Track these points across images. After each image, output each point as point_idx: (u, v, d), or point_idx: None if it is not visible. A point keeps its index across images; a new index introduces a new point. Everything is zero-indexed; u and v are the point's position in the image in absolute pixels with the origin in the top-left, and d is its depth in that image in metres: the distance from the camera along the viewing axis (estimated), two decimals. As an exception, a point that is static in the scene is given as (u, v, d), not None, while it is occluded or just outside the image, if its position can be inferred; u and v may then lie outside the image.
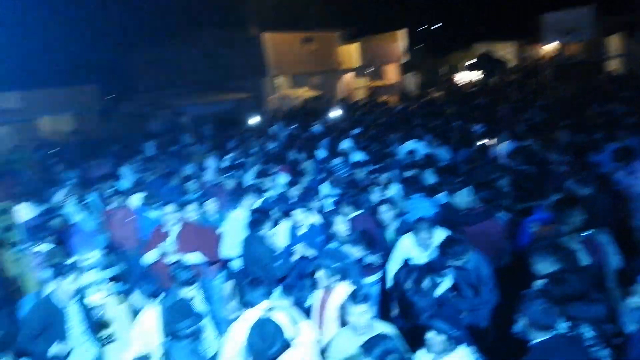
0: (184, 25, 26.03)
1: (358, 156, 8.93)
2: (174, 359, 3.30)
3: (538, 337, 2.85)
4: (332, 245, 4.72)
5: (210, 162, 9.88)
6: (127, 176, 9.46)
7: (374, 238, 4.69)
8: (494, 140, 8.77)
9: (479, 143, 8.74)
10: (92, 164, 11.66)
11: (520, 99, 15.65)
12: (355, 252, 4.42)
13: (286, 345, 2.97)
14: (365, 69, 29.46)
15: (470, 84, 26.47)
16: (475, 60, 28.92)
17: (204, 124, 18.15)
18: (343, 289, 3.73)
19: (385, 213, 5.10)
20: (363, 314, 3.12)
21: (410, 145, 8.81)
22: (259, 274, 4.77)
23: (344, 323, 3.46)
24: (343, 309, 3.47)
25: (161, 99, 22.42)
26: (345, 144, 9.58)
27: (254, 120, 18.50)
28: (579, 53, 26.83)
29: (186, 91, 23.78)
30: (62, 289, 4.10)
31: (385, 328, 3.24)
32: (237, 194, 5.92)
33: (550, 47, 26.77)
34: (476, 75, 28.35)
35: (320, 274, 3.80)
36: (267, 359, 2.90)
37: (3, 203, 8.31)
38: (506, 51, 31.92)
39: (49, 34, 24.90)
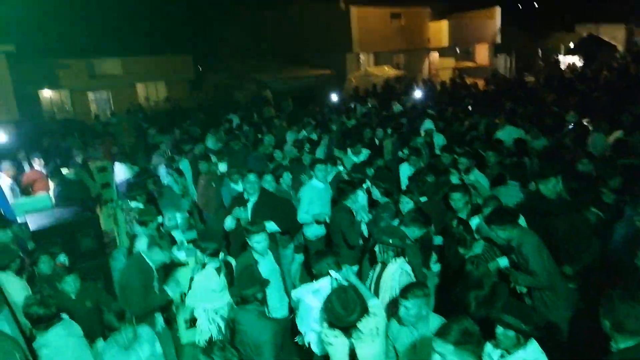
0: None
1: (440, 138, 8.69)
2: (241, 323, 3.45)
3: (622, 343, 2.53)
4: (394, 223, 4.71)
5: (289, 135, 10.08)
6: (212, 144, 9.92)
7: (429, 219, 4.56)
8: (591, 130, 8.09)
9: (573, 132, 8.11)
10: (182, 130, 12.34)
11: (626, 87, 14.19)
12: (413, 231, 4.32)
13: (365, 311, 3.02)
14: (454, 49, 28.17)
15: (570, 69, 24.44)
16: (577, 43, 26.57)
17: (284, 98, 18.47)
18: (397, 266, 3.77)
19: (459, 200, 4.91)
20: (412, 308, 3.11)
21: (505, 131, 8.39)
22: (341, 243, 4.98)
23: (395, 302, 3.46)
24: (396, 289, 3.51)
25: (246, 72, 23.09)
26: (427, 125, 9.31)
27: (335, 96, 18.51)
28: None
29: (271, 65, 24.28)
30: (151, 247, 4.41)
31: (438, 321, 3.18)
32: (313, 167, 5.98)
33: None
34: (578, 60, 26.10)
35: (377, 249, 3.85)
36: (346, 325, 2.96)
37: (102, 162, 9.13)
38: (613, 35, 28.94)
39: (148, 5, 26.36)
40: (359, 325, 3.01)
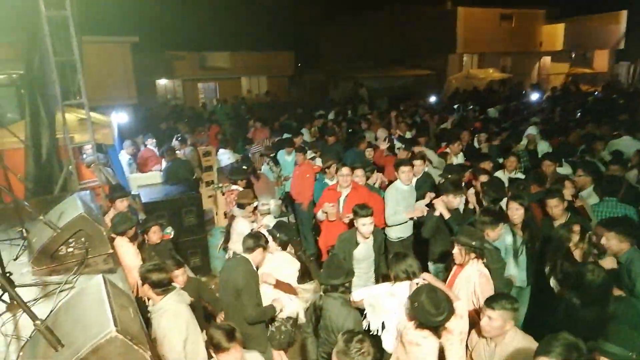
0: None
1: (544, 146, 8.13)
2: (326, 309, 3.53)
3: None
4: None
5: (380, 133, 10.00)
6: (307, 137, 10.18)
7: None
8: None
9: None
10: (280, 123, 12.82)
11: None
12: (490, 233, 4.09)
13: (453, 312, 2.97)
14: (569, 53, 26.09)
15: None
16: None
17: (380, 97, 18.41)
18: (474, 268, 3.64)
19: (555, 207, 4.55)
20: (492, 321, 2.91)
21: (618, 143, 7.66)
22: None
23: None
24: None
25: (344, 70, 23.36)
26: (530, 130, 8.73)
27: (431, 97, 18.08)
28: None
29: (368, 64, 24.32)
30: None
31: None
32: (398, 167, 5.87)
33: None
34: None
35: (455, 250, 3.73)
36: (437, 324, 2.95)
37: (208, 147, 9.78)
38: None
39: (255, 3, 27.65)
40: (449, 325, 2.95)
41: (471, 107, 14.45)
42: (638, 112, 11.29)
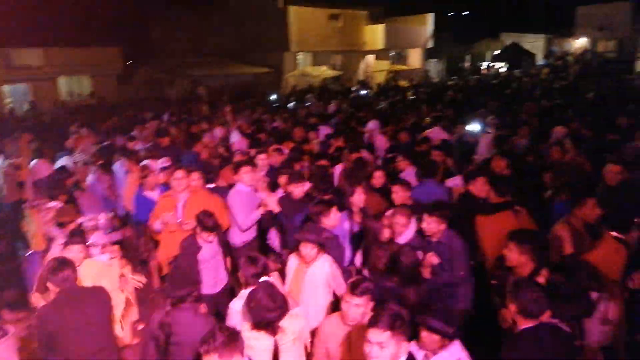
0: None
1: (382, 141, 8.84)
2: (180, 325, 3.32)
3: (524, 325, 2.87)
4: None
5: (218, 132, 9.79)
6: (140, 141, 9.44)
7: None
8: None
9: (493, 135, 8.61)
10: (107, 126, 11.67)
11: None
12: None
13: (286, 310, 3.06)
14: (389, 52, 28.94)
15: (493, 75, 25.94)
16: (502, 50, 28.26)
17: (220, 96, 18.06)
18: (323, 261, 3.76)
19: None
20: (358, 307, 2.99)
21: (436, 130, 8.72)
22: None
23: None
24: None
25: (181, 67, 22.32)
26: (370, 125, 9.44)
27: (271, 95, 18.38)
28: (610, 50, 26.06)
29: (206, 61, 23.65)
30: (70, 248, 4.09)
31: None
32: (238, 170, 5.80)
33: (581, 42, 25.98)
34: (502, 65, 27.74)
35: (306, 250, 3.76)
36: (271, 320, 2.97)
37: (17, 159, 8.39)
38: (534, 44, 31.08)
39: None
40: (283, 324, 2.98)
41: (308, 104, 15.03)
42: (445, 106, 12.97)
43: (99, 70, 22.07)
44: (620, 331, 4.07)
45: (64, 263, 3.46)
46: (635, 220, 4.10)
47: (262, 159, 6.34)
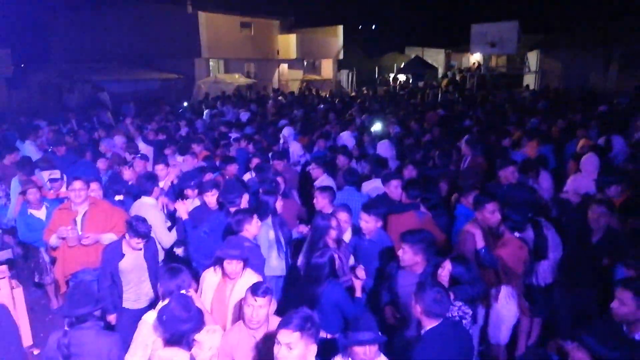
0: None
1: (297, 147, 8.91)
2: (81, 346, 3.07)
3: (429, 325, 2.99)
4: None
5: (118, 140, 9.27)
6: (31, 151, 8.64)
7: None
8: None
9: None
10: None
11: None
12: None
13: (203, 323, 2.98)
14: (302, 61, 29.36)
15: (400, 86, 27.37)
16: (407, 63, 29.90)
17: (125, 102, 17.11)
18: (248, 275, 3.61)
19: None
20: (261, 308, 2.96)
21: (345, 136, 8.97)
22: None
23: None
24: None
25: (81, 71, 20.80)
26: (285, 131, 9.45)
27: (181, 102, 17.79)
28: (502, 65, 28.69)
29: (109, 66, 22.29)
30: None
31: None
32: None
33: (476, 57, 28.30)
34: (407, 77, 29.34)
35: (230, 267, 3.55)
36: (183, 333, 2.87)
37: None
38: (435, 58, 33.33)
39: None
40: (199, 337, 2.86)
41: (215, 111, 14.77)
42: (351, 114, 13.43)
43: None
44: (522, 331, 4.48)
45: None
46: (529, 217, 4.50)
47: (160, 169, 6.09)
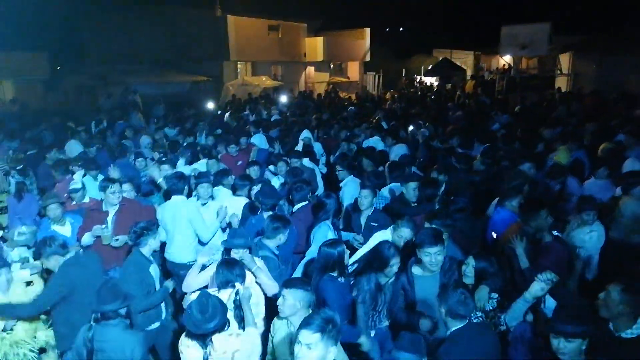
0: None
1: (318, 147, 8.99)
2: (105, 342, 3.17)
3: (454, 326, 3.05)
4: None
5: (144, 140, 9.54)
6: (72, 150, 8.99)
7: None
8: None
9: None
10: (33, 135, 10.95)
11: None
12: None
13: (224, 326, 3.04)
14: (329, 64, 29.43)
15: (425, 87, 27.11)
16: (434, 65, 29.59)
17: (156, 103, 17.50)
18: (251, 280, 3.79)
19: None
20: (288, 299, 3.10)
21: (371, 141, 8.97)
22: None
23: None
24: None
25: (113, 74, 21.38)
26: (305, 134, 9.50)
27: (209, 104, 18.06)
28: (533, 67, 28.04)
29: (141, 68, 22.85)
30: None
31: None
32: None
33: (505, 59, 27.76)
34: (435, 80, 29.04)
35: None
36: (202, 332, 2.92)
37: None
38: (464, 60, 32.85)
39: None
40: (214, 338, 2.93)
41: (247, 112, 14.93)
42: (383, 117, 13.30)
43: (22, 76, 20.66)
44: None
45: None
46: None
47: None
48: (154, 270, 4.16)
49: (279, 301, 3.15)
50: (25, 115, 15.88)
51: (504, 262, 4.22)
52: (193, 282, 3.91)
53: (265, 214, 4.85)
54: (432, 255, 3.63)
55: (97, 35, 25.93)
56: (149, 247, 4.10)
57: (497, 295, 3.50)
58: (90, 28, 26.48)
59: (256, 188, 5.42)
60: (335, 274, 3.78)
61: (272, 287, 3.76)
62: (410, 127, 10.60)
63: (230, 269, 3.46)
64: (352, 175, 6.37)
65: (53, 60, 22.81)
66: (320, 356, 2.46)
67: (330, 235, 4.59)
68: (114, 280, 3.89)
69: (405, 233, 4.20)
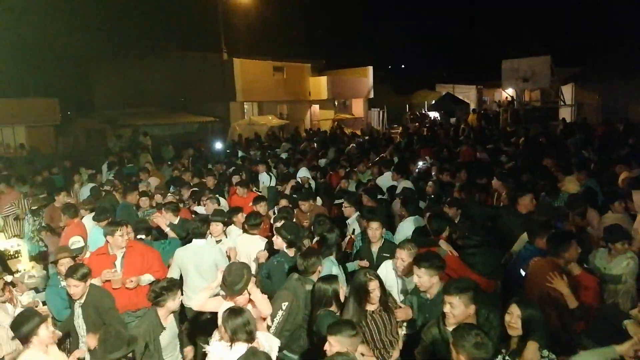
0: (154, 42, 25.82)
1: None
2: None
3: None
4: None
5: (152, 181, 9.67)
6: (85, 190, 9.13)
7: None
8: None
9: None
10: (44, 179, 11.09)
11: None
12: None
13: None
14: (333, 101, 29.92)
15: (434, 123, 27.30)
16: (438, 99, 29.97)
17: (164, 144, 17.76)
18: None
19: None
20: None
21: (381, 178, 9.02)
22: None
23: None
24: None
25: (122, 117, 21.85)
26: (302, 173, 9.55)
27: (217, 143, 18.29)
28: (536, 100, 28.31)
29: (150, 110, 23.34)
30: None
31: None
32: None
33: (508, 92, 28.07)
34: (438, 114, 29.33)
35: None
36: None
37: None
38: (466, 94, 33.28)
39: (7, 42, 24.02)
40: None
41: (252, 152, 15.08)
42: (390, 154, 13.28)
43: (34, 121, 21.17)
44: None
45: None
46: None
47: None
48: (164, 337, 3.93)
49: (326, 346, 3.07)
50: (36, 159, 16.15)
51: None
52: (205, 303, 3.87)
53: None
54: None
55: (106, 80, 26.67)
56: (167, 309, 3.86)
57: (551, 354, 3.10)
58: (99, 73, 27.27)
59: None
60: (333, 308, 3.79)
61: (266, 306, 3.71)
62: (420, 163, 10.57)
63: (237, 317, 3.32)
64: (358, 213, 6.35)
65: (63, 105, 23.40)
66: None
67: (335, 270, 4.59)
68: (116, 327, 3.69)
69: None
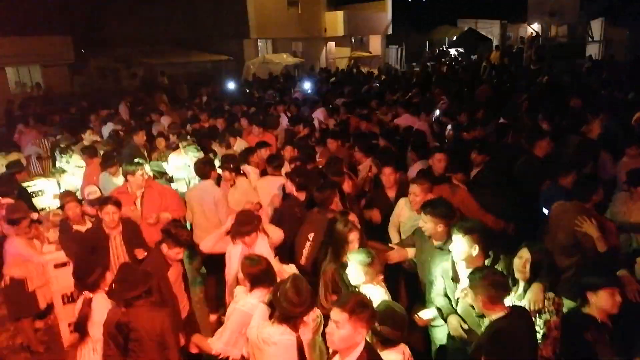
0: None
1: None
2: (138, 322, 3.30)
3: (494, 314, 2.86)
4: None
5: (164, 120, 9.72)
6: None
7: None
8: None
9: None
10: (61, 119, 11.23)
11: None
12: None
13: (312, 306, 3.18)
14: (350, 38, 28.95)
15: (452, 61, 26.41)
16: (459, 36, 28.77)
17: (178, 84, 17.66)
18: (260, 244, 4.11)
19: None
20: None
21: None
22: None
23: None
24: None
25: (136, 56, 21.59)
26: (318, 114, 9.47)
27: (231, 83, 18.11)
28: (563, 35, 26.96)
29: (163, 49, 22.96)
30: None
31: None
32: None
33: (534, 28, 26.76)
34: (459, 51, 28.29)
35: None
36: (295, 315, 3.03)
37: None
38: (489, 29, 31.80)
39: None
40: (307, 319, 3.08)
41: (271, 92, 14.87)
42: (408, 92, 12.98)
43: (49, 60, 21.06)
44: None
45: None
46: None
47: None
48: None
49: None
50: (52, 99, 16.26)
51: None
52: (213, 244, 4.16)
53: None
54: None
55: (120, 19, 26.07)
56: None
57: (557, 297, 3.12)
58: (113, 11, 26.61)
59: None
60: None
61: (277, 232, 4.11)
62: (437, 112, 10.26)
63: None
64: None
65: (77, 44, 23.10)
66: (346, 336, 2.49)
67: None
68: (131, 265, 3.69)
69: None
